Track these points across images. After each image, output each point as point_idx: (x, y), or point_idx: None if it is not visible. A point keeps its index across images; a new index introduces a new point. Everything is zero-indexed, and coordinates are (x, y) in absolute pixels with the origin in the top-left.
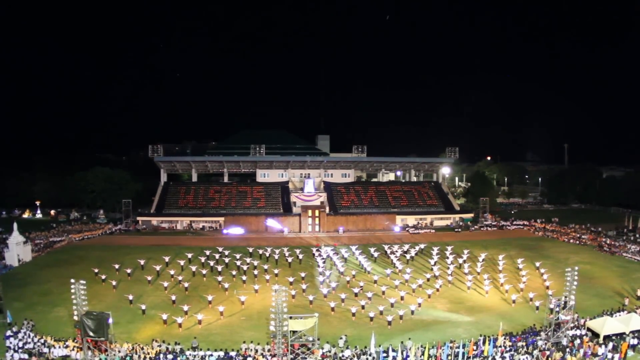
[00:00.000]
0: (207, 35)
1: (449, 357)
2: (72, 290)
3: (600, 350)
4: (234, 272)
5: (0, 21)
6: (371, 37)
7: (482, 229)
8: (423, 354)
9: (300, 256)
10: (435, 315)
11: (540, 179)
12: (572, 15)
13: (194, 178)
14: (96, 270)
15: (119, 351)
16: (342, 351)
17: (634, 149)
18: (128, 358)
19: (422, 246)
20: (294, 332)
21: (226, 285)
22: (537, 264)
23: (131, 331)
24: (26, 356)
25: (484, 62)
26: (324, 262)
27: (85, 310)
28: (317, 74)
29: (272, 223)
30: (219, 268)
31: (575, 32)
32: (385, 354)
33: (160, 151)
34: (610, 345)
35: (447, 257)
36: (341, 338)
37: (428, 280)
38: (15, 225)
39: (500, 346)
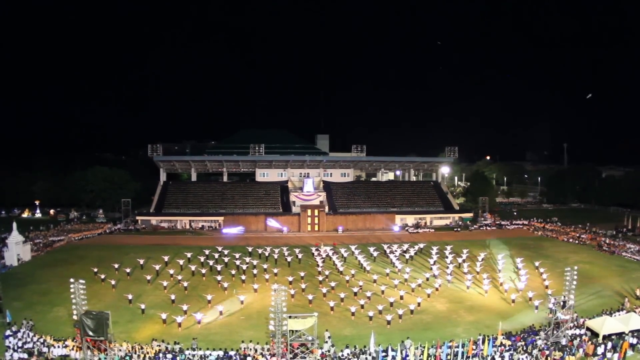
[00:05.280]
0: (207, 34)
1: (448, 357)
2: (72, 290)
3: (600, 350)
4: (233, 272)
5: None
6: (371, 36)
7: (481, 228)
8: (422, 353)
9: (300, 256)
10: (434, 314)
11: (539, 179)
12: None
13: (194, 177)
14: (95, 270)
15: (119, 350)
16: (336, 349)
17: (633, 149)
18: (127, 358)
19: (422, 245)
20: (293, 331)
21: (225, 284)
22: (537, 264)
23: (130, 331)
24: (26, 355)
25: (484, 62)
26: (323, 262)
27: (85, 309)
28: (317, 74)
29: (272, 223)
30: (219, 267)
31: (575, 32)
32: (384, 354)
33: (160, 151)
34: (610, 344)
35: (447, 257)
36: (327, 340)
37: (427, 279)
38: (14, 225)
39: (499, 346)
